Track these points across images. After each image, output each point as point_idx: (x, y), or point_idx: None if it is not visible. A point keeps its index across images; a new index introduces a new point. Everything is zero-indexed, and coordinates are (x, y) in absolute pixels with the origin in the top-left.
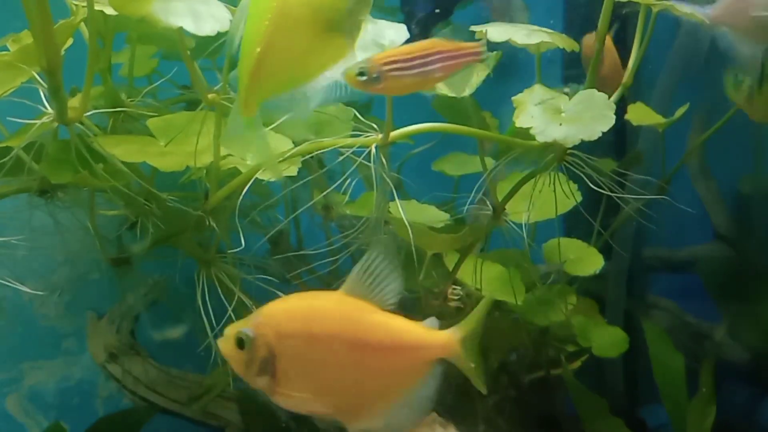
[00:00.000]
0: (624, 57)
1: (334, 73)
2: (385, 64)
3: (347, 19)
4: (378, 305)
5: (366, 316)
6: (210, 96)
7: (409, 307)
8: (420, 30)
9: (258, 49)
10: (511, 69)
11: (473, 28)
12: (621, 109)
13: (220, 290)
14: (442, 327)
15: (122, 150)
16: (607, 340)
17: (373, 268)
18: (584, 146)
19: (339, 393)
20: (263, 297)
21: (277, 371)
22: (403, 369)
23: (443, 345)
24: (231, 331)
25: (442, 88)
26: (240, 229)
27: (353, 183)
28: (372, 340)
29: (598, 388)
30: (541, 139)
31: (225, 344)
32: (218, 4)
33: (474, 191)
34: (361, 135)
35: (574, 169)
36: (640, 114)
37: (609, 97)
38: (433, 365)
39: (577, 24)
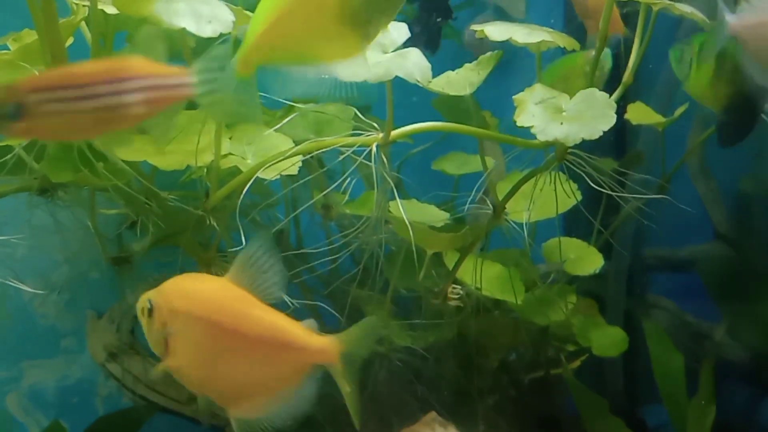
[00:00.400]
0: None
1: (337, 70)
2: (35, 90)
3: (360, 17)
4: (262, 297)
5: (245, 308)
6: None
7: (408, 307)
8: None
9: (274, 17)
10: (512, 68)
11: (473, 27)
12: (621, 108)
13: None
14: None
15: (123, 149)
16: (606, 339)
17: (254, 259)
18: (585, 145)
19: (217, 378)
20: None
21: (168, 344)
22: (277, 366)
23: (319, 350)
24: (144, 296)
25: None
26: (240, 228)
27: (353, 182)
28: (248, 332)
29: (598, 388)
30: (541, 137)
31: (138, 307)
32: (220, 5)
33: (474, 190)
34: (361, 134)
35: (575, 168)
36: (640, 113)
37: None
38: (309, 368)
39: (577, 23)
